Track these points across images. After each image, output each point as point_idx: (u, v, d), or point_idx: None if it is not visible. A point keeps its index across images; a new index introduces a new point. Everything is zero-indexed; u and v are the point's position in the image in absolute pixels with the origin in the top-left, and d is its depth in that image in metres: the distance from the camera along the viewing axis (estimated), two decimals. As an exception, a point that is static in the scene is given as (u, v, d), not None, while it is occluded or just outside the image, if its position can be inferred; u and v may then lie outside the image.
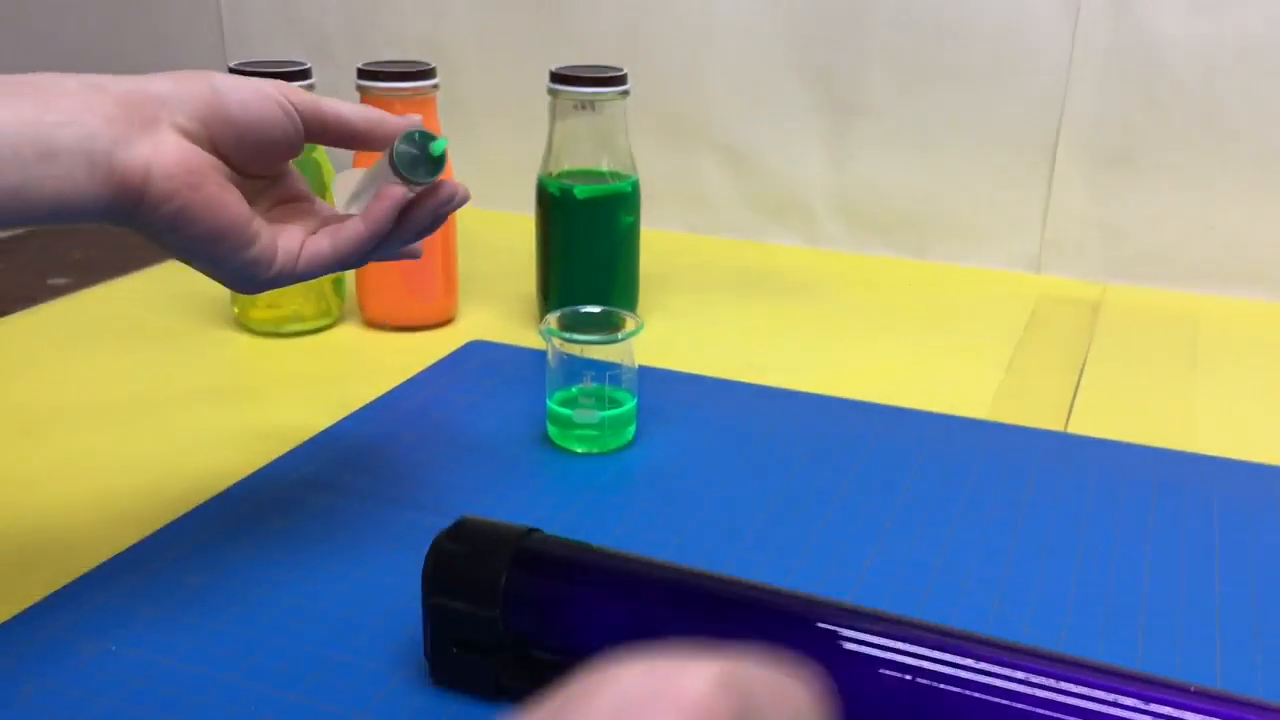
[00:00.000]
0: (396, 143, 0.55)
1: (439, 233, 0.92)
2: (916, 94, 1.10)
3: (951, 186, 1.12)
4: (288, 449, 0.71)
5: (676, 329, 0.96)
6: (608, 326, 0.72)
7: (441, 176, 0.56)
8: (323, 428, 0.75)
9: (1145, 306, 1.03)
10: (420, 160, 0.55)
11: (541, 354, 0.85)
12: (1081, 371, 0.88)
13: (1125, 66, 1.03)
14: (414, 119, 0.57)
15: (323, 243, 0.56)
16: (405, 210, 0.56)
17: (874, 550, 0.62)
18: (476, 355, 0.87)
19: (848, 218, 1.16)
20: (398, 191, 0.55)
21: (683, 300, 1.02)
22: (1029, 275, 1.11)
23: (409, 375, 0.83)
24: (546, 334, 0.71)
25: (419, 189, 0.56)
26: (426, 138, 0.55)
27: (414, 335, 0.92)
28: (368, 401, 0.79)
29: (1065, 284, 1.09)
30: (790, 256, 1.16)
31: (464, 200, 0.58)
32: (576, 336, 0.70)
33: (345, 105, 0.56)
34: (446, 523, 0.50)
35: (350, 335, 0.93)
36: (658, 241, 1.04)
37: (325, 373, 0.86)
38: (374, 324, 0.94)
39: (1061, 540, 0.63)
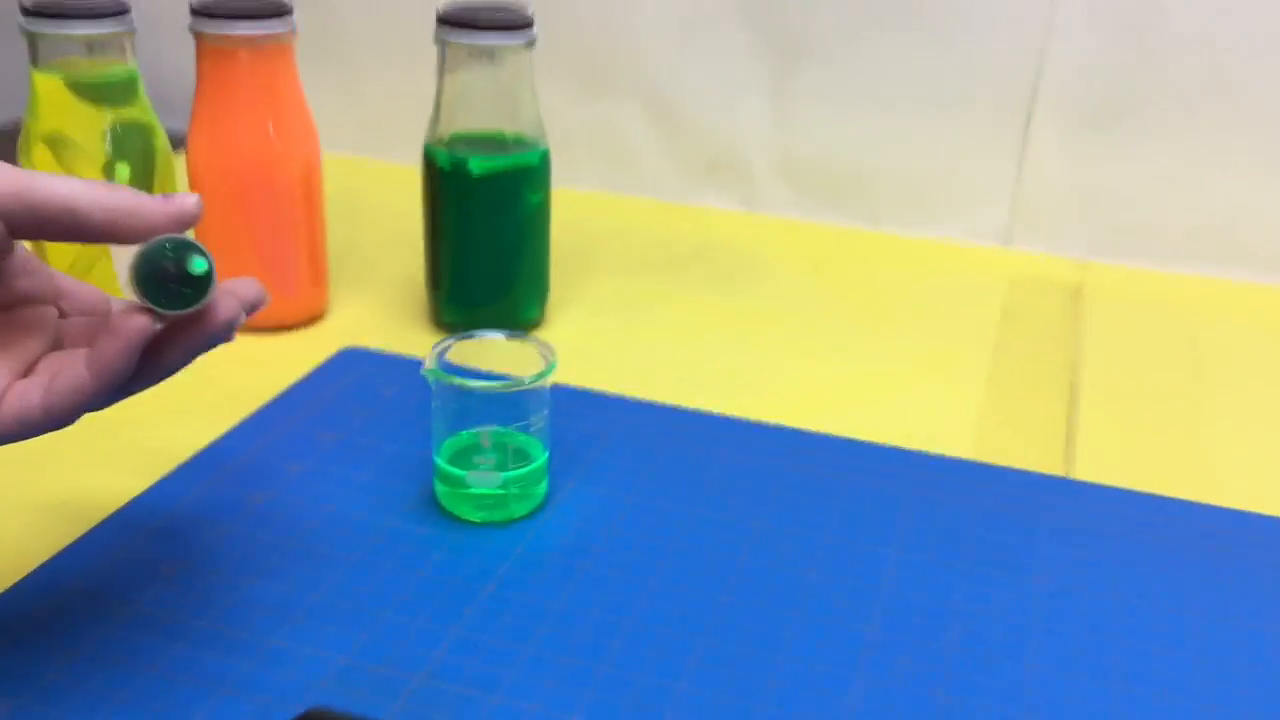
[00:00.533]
0: (137, 255, 0.39)
1: (301, 205, 0.75)
2: (871, 37, 0.94)
3: (910, 145, 0.97)
4: (50, 550, 0.55)
5: (593, 329, 0.80)
6: (513, 359, 0.56)
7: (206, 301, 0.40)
8: (115, 505, 0.58)
9: (1133, 291, 0.90)
10: (171, 281, 0.39)
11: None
12: (1074, 391, 0.75)
13: (1115, 10, 0.88)
14: (180, 209, 0.40)
15: (32, 397, 0.40)
16: (152, 345, 0.41)
17: (860, 673, 0.48)
18: (350, 369, 0.71)
19: (791, 179, 1.01)
20: (136, 325, 0.39)
21: (601, 288, 0.86)
22: (998, 249, 0.97)
23: (258, 402, 0.66)
24: (431, 375, 0.55)
25: (169, 319, 0.40)
26: (183, 250, 0.39)
27: (270, 340, 0.75)
28: (192, 454, 0.62)
29: (1040, 261, 0.95)
30: (726, 224, 1.00)
31: (234, 329, 0.42)
32: (470, 382, 0.54)
33: (75, 185, 0.39)
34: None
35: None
36: (572, 206, 0.87)
37: (133, 406, 0.69)
38: (223, 323, 0.76)
39: (1073, 618, 0.50)
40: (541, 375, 0.55)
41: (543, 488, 0.58)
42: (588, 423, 0.66)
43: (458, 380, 0.54)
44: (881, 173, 0.98)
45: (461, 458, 0.57)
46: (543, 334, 0.77)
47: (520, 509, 0.57)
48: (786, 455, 0.64)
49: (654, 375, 0.73)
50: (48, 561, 0.52)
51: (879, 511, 0.59)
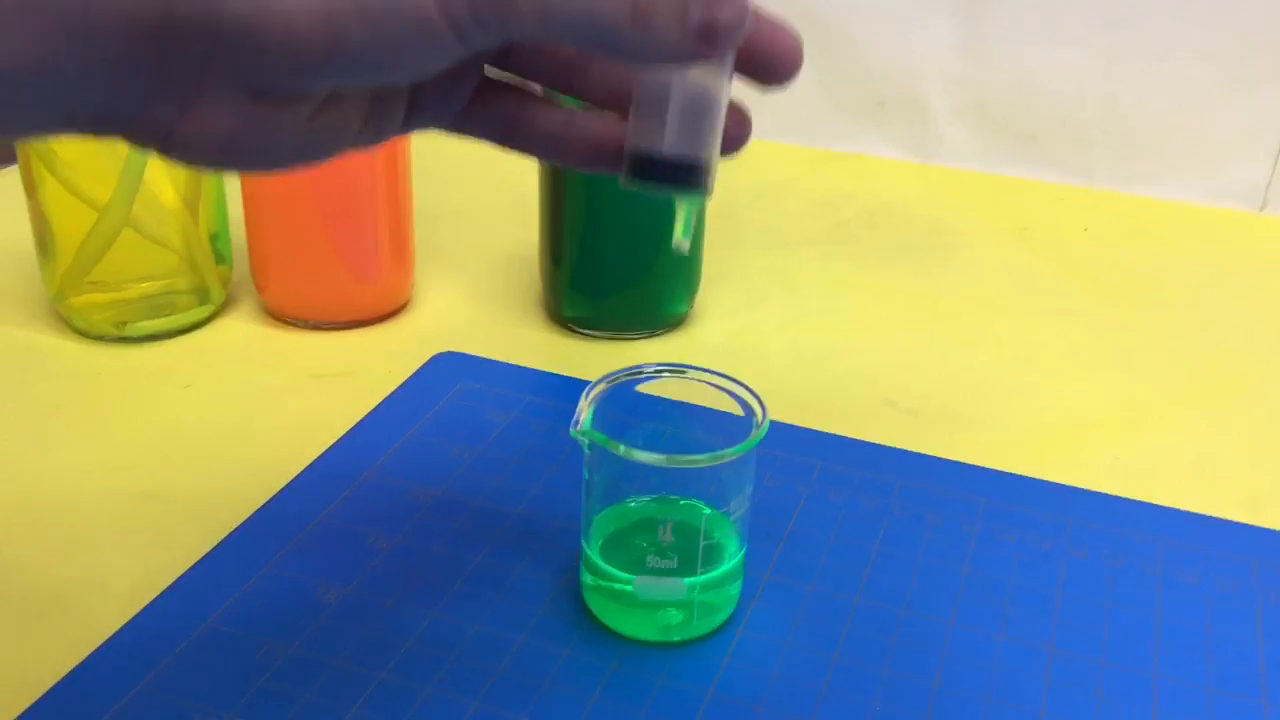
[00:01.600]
0: None
1: (381, 169, 0.57)
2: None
3: (1139, 83, 0.76)
4: (98, 636, 0.38)
5: (752, 327, 0.61)
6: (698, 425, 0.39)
7: None
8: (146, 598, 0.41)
9: None
10: None
11: (562, 382, 0.51)
12: None
13: None
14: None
15: None
16: None
17: None
18: (446, 382, 0.53)
19: (978, 123, 0.81)
20: None
21: (756, 268, 0.67)
22: (1251, 215, 0.77)
23: (328, 430, 0.49)
24: (585, 439, 0.37)
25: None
26: None
27: (342, 336, 0.58)
28: (244, 514, 0.45)
29: (1303, 231, 0.75)
30: (896, 178, 0.81)
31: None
32: (649, 455, 0.36)
33: None
34: None
35: (237, 338, 0.58)
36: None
37: (178, 436, 0.52)
38: (279, 316, 0.59)
39: None
40: (751, 442, 0.37)
41: (736, 591, 0.41)
42: (776, 470, 0.48)
43: (631, 452, 0.36)
44: (1099, 117, 0.78)
45: (624, 550, 0.39)
46: (692, 335, 0.59)
47: (706, 624, 0.40)
48: (1054, 523, 0.45)
49: (847, 393, 0.55)
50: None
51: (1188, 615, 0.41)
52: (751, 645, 0.39)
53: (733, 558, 0.39)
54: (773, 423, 0.50)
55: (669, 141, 0.31)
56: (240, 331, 0.58)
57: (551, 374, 0.54)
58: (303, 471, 0.47)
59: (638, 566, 0.38)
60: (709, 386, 0.40)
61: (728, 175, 0.74)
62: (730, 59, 0.30)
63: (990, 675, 0.39)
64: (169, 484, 0.46)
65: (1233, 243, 0.73)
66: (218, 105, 0.26)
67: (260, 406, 0.52)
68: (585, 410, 0.38)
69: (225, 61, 0.25)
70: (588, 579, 0.40)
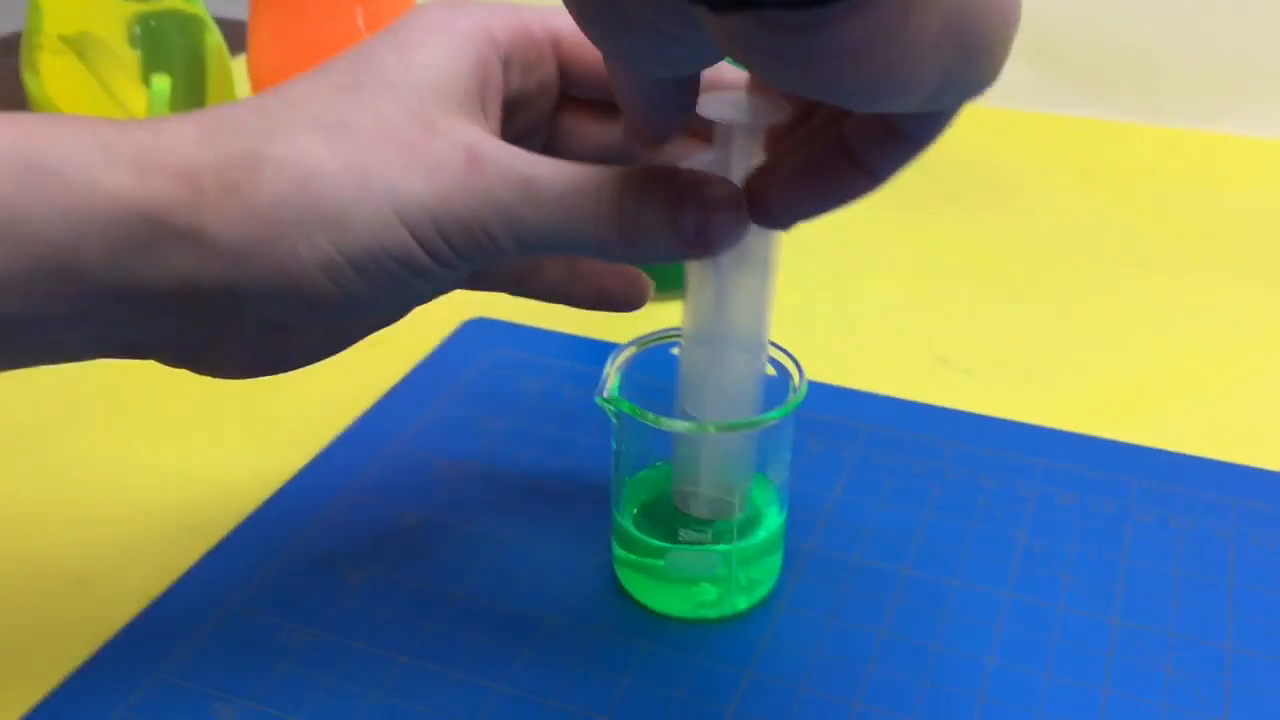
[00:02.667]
0: None
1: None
2: None
3: (1213, 12, 0.72)
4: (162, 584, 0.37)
5: (799, 281, 0.59)
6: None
7: None
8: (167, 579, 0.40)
9: None
10: None
11: (594, 346, 0.49)
12: None
13: None
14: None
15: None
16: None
17: None
18: (477, 349, 0.52)
19: (1036, 59, 0.77)
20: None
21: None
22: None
23: (356, 405, 0.48)
24: (612, 408, 0.35)
25: None
26: None
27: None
28: (264, 495, 0.43)
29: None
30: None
31: None
32: (677, 424, 0.34)
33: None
34: None
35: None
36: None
37: (199, 412, 0.51)
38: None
39: None
40: (788, 408, 0.35)
41: (776, 563, 0.38)
42: (819, 435, 0.46)
43: (660, 420, 0.34)
44: (1167, 49, 0.73)
45: (657, 519, 0.37)
46: (735, 290, 0.57)
47: (745, 600, 0.38)
48: (1123, 485, 0.43)
49: (896, 350, 0.52)
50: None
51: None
52: (793, 621, 0.37)
53: (771, 527, 0.37)
54: (817, 384, 0.48)
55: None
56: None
57: (583, 338, 0.52)
58: (328, 445, 0.45)
59: (670, 538, 0.36)
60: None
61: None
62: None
63: (1049, 650, 0.36)
64: (190, 462, 0.45)
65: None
66: (241, 339, 0.29)
67: (284, 379, 0.50)
68: (611, 377, 0.35)
69: (247, 313, 0.28)
70: (620, 553, 0.38)
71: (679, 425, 0.34)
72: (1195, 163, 0.71)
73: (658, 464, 0.38)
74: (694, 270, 0.32)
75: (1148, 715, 0.34)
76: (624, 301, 0.36)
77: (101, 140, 0.26)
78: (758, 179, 0.29)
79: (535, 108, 0.32)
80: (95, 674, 0.35)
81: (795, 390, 0.35)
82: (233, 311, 0.28)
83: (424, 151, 0.27)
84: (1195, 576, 0.39)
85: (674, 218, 0.27)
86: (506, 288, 0.36)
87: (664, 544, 0.36)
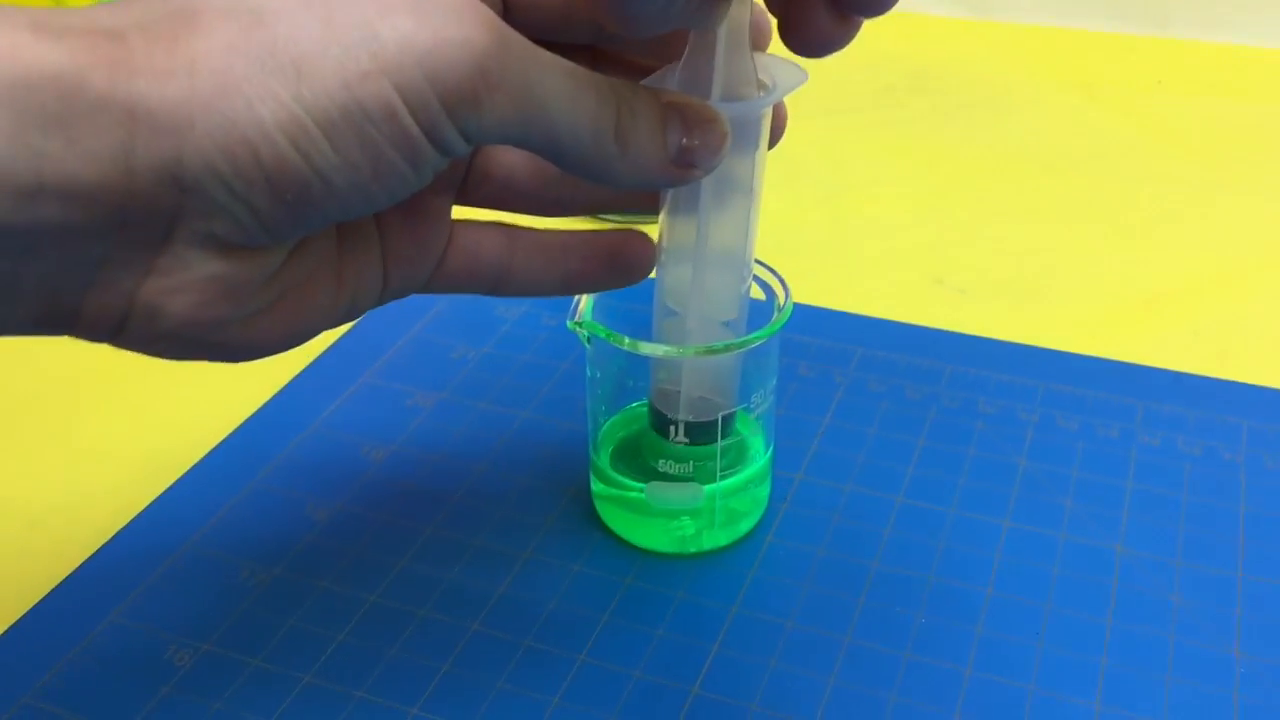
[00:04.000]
0: None
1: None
2: None
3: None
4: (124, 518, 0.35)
5: (791, 203, 0.56)
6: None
7: None
8: (131, 509, 0.38)
9: None
10: None
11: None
12: None
13: None
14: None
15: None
16: None
17: None
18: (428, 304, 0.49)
19: (1038, -31, 0.74)
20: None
21: (793, 138, 0.61)
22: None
23: (322, 337, 0.45)
24: (584, 332, 0.33)
25: None
26: None
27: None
28: (219, 436, 0.41)
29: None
30: (950, 37, 0.74)
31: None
32: (653, 347, 0.32)
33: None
34: None
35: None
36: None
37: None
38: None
39: None
40: (772, 329, 0.32)
41: (763, 495, 0.36)
42: (809, 359, 0.43)
43: (633, 343, 0.32)
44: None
45: (635, 454, 0.35)
46: (722, 212, 0.54)
47: (729, 533, 0.36)
48: (1118, 402, 0.41)
49: (891, 271, 0.50)
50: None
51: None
52: (781, 553, 0.35)
53: (756, 459, 0.35)
54: (807, 306, 0.46)
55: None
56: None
57: (566, 263, 0.50)
58: (293, 379, 0.43)
59: (649, 472, 0.34)
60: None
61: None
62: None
63: (1051, 580, 0.34)
64: (151, 396, 0.43)
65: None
66: (181, 270, 0.23)
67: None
68: (584, 300, 0.33)
69: (191, 211, 0.22)
70: (598, 487, 0.36)
71: (656, 349, 0.32)
72: (1202, 75, 0.68)
73: (634, 405, 0.36)
74: (675, 190, 0.30)
75: (1155, 646, 0.32)
76: (633, 268, 0.31)
77: None
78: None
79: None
80: (48, 615, 0.33)
81: (780, 310, 0.33)
82: (172, 213, 0.22)
83: None
84: (1204, 501, 0.37)
85: (663, 129, 0.26)
86: (488, 285, 0.30)
87: (642, 481, 0.34)
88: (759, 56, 0.28)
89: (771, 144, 0.30)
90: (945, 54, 0.71)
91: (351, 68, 0.21)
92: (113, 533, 0.36)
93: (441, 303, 0.47)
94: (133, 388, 0.44)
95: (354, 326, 0.46)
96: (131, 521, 0.37)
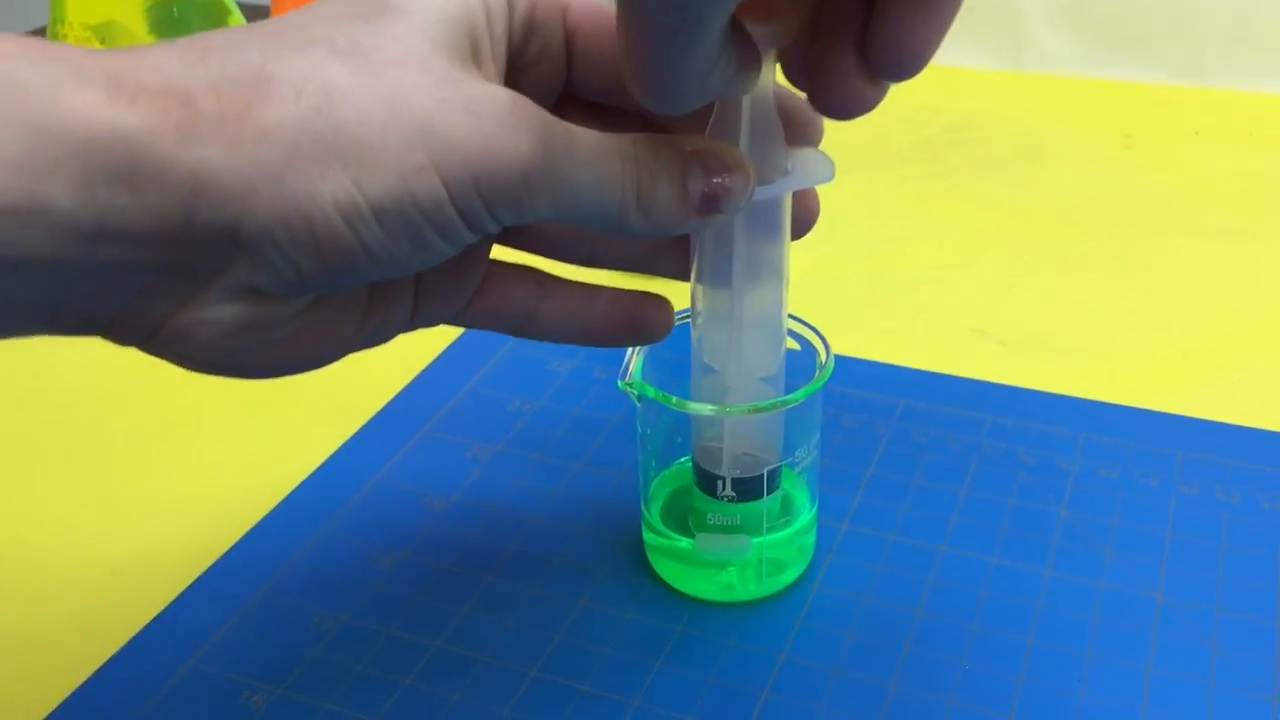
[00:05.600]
0: None
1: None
2: None
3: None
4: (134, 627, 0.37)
5: (828, 256, 0.58)
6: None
7: None
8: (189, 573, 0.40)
9: None
10: None
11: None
12: None
13: None
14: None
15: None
16: None
17: None
18: (504, 339, 0.51)
19: (1074, 22, 0.75)
20: None
21: (832, 190, 0.63)
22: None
23: (383, 391, 0.47)
24: (635, 392, 0.35)
25: None
26: None
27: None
28: (278, 497, 0.43)
29: None
30: (987, 89, 0.76)
31: None
32: (699, 407, 0.33)
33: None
34: None
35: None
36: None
37: (230, 395, 0.51)
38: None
39: None
40: (814, 387, 0.34)
41: (809, 544, 0.38)
42: (852, 412, 0.45)
43: (680, 403, 0.33)
44: (1209, 7, 0.71)
45: (685, 506, 0.37)
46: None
47: (775, 583, 0.37)
48: (1163, 456, 0.42)
49: (932, 323, 0.51)
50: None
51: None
52: (828, 602, 0.37)
53: (802, 511, 0.36)
54: (849, 359, 0.47)
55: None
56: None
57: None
58: (358, 430, 0.45)
59: (699, 524, 0.36)
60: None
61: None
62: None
63: (1092, 628, 0.35)
64: (224, 447, 0.45)
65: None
66: (215, 306, 0.24)
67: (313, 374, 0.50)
68: (634, 359, 0.35)
69: (240, 264, 0.24)
70: (649, 537, 0.38)
71: (703, 409, 0.33)
72: (1239, 125, 0.69)
73: (683, 459, 0.37)
74: (705, 244, 0.31)
75: (1194, 694, 0.33)
76: (650, 330, 0.33)
77: (70, 58, 0.22)
78: (812, 72, 0.27)
79: (537, 75, 0.29)
80: (128, 664, 0.35)
81: (822, 367, 0.35)
82: (222, 262, 0.24)
83: (462, 86, 0.24)
84: (1243, 551, 0.38)
85: (683, 180, 0.27)
86: (511, 326, 0.32)
87: (692, 533, 0.36)
88: (798, 150, 0.30)
89: (797, 234, 0.32)
90: (982, 106, 0.73)
91: (408, 161, 0.23)
92: (190, 581, 0.38)
93: (498, 357, 0.49)
94: (206, 439, 0.46)
95: (415, 379, 0.48)
96: (208, 570, 0.39)
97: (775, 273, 0.31)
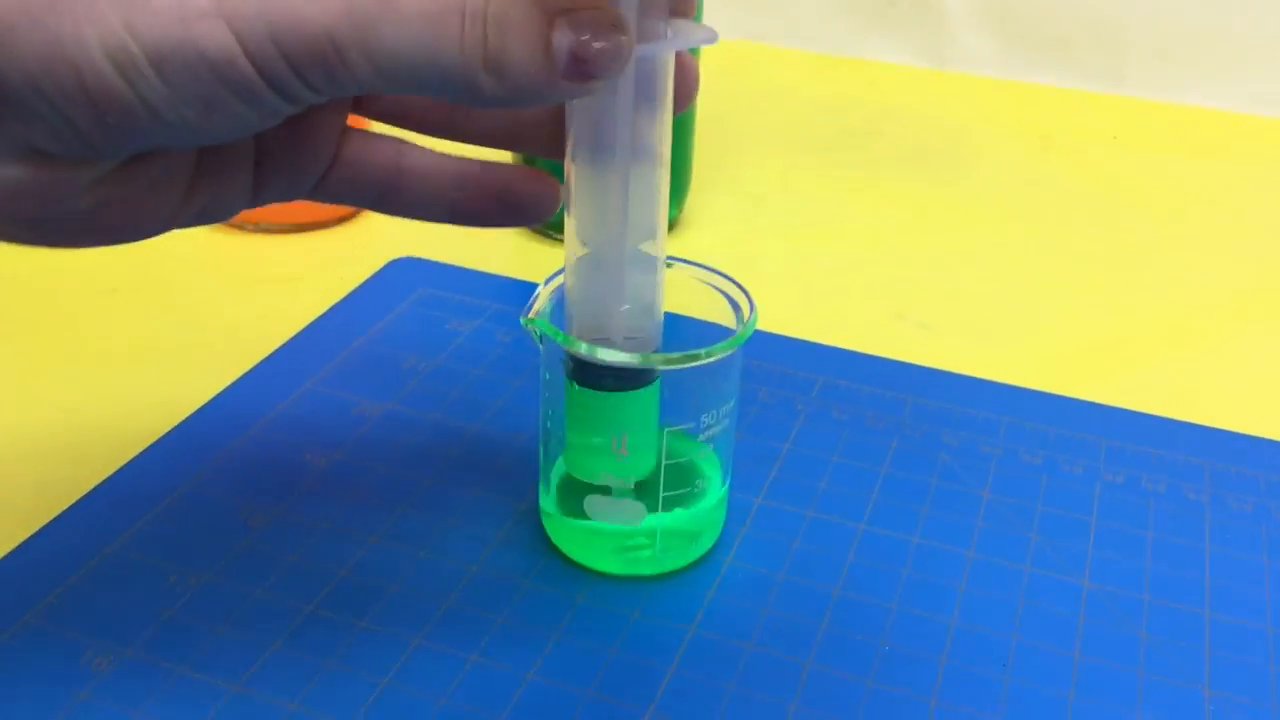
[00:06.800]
0: None
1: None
2: None
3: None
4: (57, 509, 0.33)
5: (750, 235, 0.56)
6: (679, 300, 0.33)
7: None
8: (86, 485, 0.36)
9: None
10: None
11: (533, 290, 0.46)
12: None
13: None
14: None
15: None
16: None
17: None
18: (403, 289, 0.48)
19: (999, 25, 0.74)
20: None
21: (754, 174, 0.61)
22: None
23: (268, 344, 0.43)
24: (537, 329, 0.32)
25: None
26: None
27: (290, 240, 0.52)
28: (178, 419, 0.39)
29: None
30: (909, 85, 0.75)
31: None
32: (607, 353, 0.30)
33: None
34: None
35: (169, 239, 0.52)
36: (708, 59, 0.62)
37: (97, 346, 0.46)
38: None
39: None
40: (733, 341, 0.31)
41: (719, 518, 0.35)
42: (770, 385, 0.42)
43: (595, 350, 0.30)
44: (1131, 19, 0.71)
45: (586, 461, 0.34)
46: (682, 241, 0.53)
47: (682, 556, 0.34)
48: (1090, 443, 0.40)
49: (851, 305, 0.49)
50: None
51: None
52: (741, 577, 0.34)
53: (708, 481, 0.34)
54: (767, 334, 0.45)
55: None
56: (173, 232, 0.52)
57: (522, 281, 0.49)
58: (233, 384, 0.41)
59: (592, 476, 0.32)
60: (691, 281, 0.34)
61: (724, 80, 0.67)
62: None
63: (1016, 613, 0.33)
64: (82, 398, 0.41)
65: (1270, 153, 0.67)
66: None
67: (192, 315, 0.46)
68: (543, 297, 0.32)
69: (9, 123, 0.21)
70: (546, 504, 0.35)
71: (616, 356, 0.30)
72: (1157, 133, 0.69)
73: (593, 439, 0.34)
74: (577, 115, 0.28)
75: (1124, 680, 0.31)
76: (528, 208, 0.30)
77: None
78: None
79: None
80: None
81: (745, 323, 0.32)
82: None
83: None
84: (1170, 540, 0.36)
85: (546, 36, 0.23)
86: (371, 200, 0.29)
87: (583, 498, 0.33)
88: (676, 20, 0.27)
89: (678, 109, 0.29)
90: (903, 101, 0.72)
91: (190, 3, 0.21)
92: (32, 532, 0.34)
93: (393, 313, 0.46)
94: (64, 379, 0.41)
95: (299, 333, 0.44)
96: (52, 521, 0.34)
97: (651, 155, 0.28)
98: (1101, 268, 0.54)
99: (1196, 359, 0.47)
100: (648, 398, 0.31)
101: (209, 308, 0.47)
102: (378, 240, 0.52)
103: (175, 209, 0.26)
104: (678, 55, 0.28)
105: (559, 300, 0.32)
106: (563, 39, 0.23)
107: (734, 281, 0.33)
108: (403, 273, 0.49)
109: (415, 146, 0.29)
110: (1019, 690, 0.31)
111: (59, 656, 0.30)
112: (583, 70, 0.23)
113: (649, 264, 0.30)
